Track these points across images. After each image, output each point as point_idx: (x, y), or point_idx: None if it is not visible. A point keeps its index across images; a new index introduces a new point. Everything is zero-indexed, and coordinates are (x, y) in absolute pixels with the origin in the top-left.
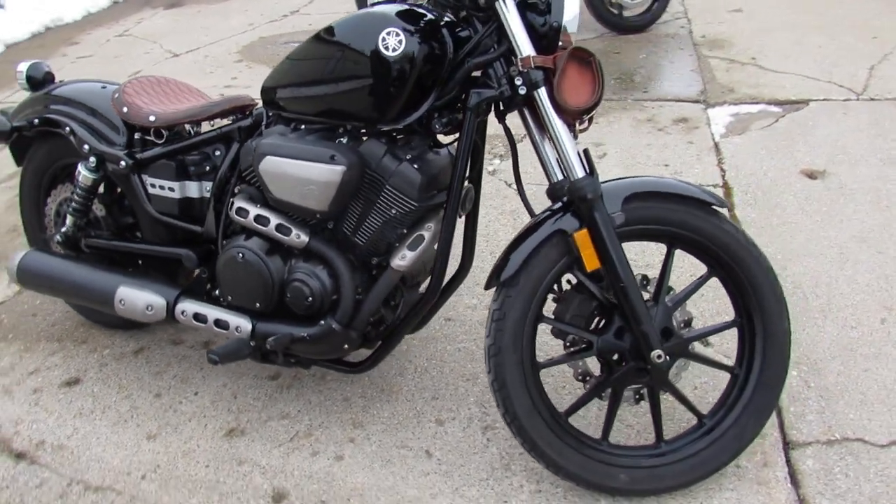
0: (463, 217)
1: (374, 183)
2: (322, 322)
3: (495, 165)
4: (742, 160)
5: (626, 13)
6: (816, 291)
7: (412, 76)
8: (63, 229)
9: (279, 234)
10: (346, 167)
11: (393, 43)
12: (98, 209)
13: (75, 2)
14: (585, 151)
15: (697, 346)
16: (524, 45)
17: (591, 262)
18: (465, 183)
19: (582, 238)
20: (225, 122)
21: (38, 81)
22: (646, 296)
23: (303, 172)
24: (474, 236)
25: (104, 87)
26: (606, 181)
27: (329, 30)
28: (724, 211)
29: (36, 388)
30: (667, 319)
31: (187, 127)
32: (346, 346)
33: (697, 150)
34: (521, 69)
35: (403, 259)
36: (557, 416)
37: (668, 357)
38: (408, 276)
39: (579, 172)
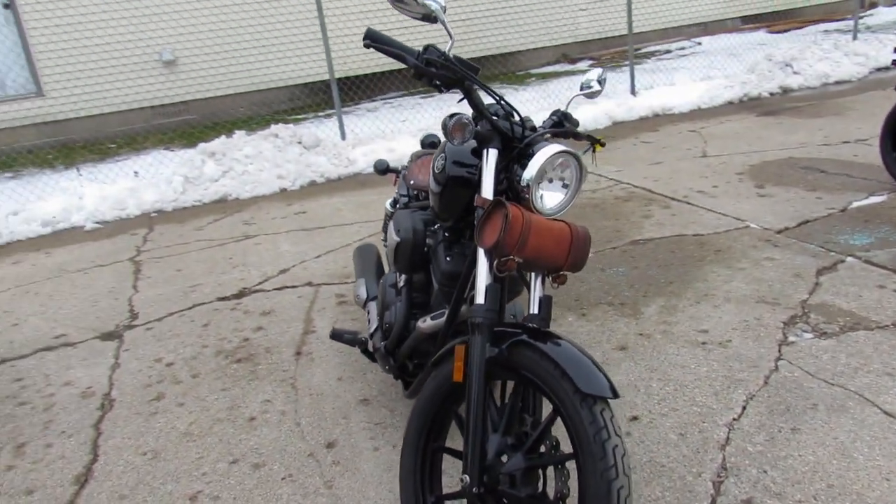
0: None
1: (429, 260)
2: (383, 342)
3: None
4: None
5: None
6: None
7: (446, 191)
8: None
9: (397, 275)
10: (401, 240)
11: (440, 164)
12: None
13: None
14: (500, 289)
15: None
16: (484, 187)
17: (457, 373)
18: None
19: (459, 350)
20: None
21: (426, 144)
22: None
23: (389, 234)
24: None
25: None
26: (522, 327)
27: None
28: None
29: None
30: (517, 468)
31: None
32: (387, 367)
33: None
34: (475, 206)
35: (424, 322)
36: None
37: (477, 489)
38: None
39: (479, 300)
